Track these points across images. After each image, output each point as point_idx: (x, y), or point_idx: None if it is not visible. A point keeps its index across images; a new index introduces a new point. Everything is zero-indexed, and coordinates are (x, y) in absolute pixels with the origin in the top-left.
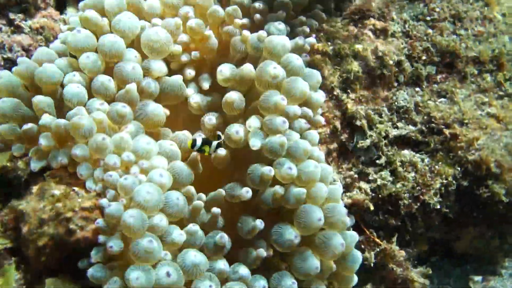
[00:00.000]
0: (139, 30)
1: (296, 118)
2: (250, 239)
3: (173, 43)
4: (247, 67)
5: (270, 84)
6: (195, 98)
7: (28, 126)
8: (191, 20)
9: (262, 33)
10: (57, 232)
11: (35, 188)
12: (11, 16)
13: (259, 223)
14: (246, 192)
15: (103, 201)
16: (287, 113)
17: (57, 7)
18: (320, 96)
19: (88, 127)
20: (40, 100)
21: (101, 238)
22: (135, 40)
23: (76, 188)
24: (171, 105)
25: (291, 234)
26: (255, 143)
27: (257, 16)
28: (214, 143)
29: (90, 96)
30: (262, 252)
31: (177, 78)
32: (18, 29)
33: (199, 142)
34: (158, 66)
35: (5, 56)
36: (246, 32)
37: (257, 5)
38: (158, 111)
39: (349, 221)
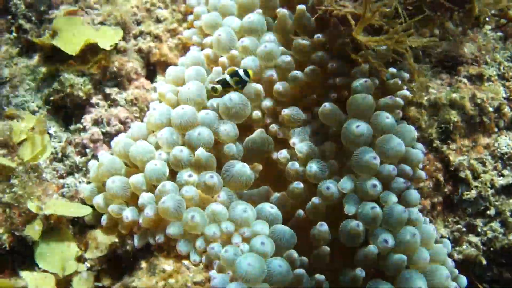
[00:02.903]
0: (203, 98)
1: (392, 179)
2: None
3: (250, 108)
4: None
5: (356, 143)
6: (283, 153)
7: (128, 214)
8: (278, 84)
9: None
10: None
11: (143, 263)
12: (107, 90)
13: (359, 271)
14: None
15: (212, 273)
16: (381, 173)
17: (147, 75)
18: (418, 152)
19: (175, 207)
20: (135, 180)
21: None
22: None
23: (186, 262)
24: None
25: None
26: (350, 209)
27: (337, 79)
28: (240, 71)
29: None
30: None
31: (260, 134)
32: (114, 103)
33: (227, 77)
34: (224, 129)
35: (103, 130)
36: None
37: (329, 65)
38: (244, 170)
39: (454, 286)
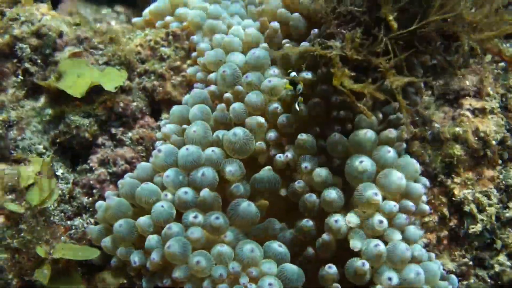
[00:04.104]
0: (208, 139)
1: (394, 215)
2: None
3: (254, 141)
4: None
5: (360, 179)
6: (301, 183)
7: (135, 258)
8: (282, 116)
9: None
10: None
11: None
12: (113, 131)
13: None
14: None
15: None
16: (383, 209)
17: (152, 114)
18: (419, 186)
19: (180, 251)
20: (142, 222)
21: None
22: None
23: None
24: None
25: None
26: (356, 245)
27: (341, 113)
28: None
29: None
30: None
31: (267, 172)
32: (120, 143)
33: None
34: (230, 170)
35: (110, 170)
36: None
37: (333, 99)
38: (250, 210)
39: None
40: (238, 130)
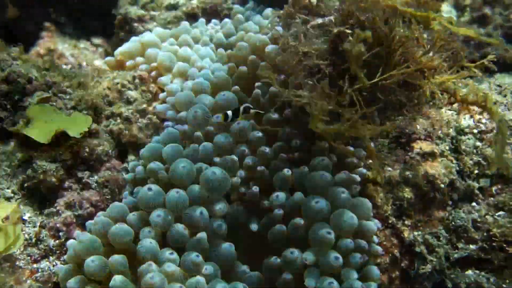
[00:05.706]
0: (194, 176)
1: (349, 253)
2: None
3: (230, 178)
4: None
5: (315, 219)
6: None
7: None
8: (247, 158)
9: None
10: None
11: None
12: (79, 174)
13: None
14: None
15: None
16: (339, 247)
17: (119, 156)
18: (371, 224)
19: (160, 284)
20: (115, 260)
21: None
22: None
23: None
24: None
25: None
26: (310, 283)
27: (295, 154)
28: (241, 108)
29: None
30: None
31: (237, 208)
32: (86, 186)
33: (230, 114)
34: (219, 207)
35: (76, 213)
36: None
37: (293, 142)
38: (232, 250)
39: None
40: (216, 169)
